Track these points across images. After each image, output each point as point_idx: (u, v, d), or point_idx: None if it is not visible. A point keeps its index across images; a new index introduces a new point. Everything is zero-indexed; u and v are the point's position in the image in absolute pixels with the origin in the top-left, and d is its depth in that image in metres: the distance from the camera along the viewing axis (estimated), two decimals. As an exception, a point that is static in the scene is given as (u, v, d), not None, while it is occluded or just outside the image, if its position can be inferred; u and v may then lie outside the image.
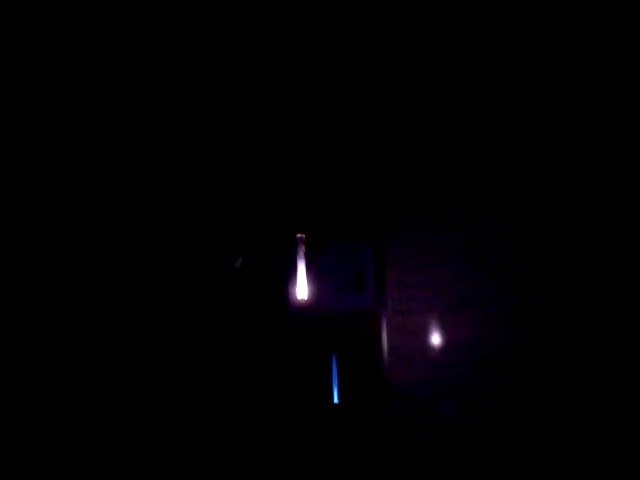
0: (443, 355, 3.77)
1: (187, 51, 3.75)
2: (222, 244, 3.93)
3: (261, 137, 3.89)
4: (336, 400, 3.79)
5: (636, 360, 3.53)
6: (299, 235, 3.92)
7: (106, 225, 3.82)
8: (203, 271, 3.89)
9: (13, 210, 3.75)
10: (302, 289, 3.86)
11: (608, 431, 3.53)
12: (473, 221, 3.83)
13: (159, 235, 3.87)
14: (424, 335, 3.81)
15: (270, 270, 3.90)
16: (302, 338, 3.85)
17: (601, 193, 3.67)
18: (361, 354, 3.86)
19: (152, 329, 3.78)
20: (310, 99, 3.84)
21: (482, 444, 3.69)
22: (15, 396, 3.62)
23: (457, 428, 3.72)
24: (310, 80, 3.79)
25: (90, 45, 3.71)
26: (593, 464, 3.52)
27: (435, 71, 3.77)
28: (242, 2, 3.61)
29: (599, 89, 3.68)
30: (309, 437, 3.74)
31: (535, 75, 3.73)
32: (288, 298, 3.85)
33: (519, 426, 3.67)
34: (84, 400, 3.67)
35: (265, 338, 3.83)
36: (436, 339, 3.78)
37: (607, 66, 3.66)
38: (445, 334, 3.78)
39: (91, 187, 3.83)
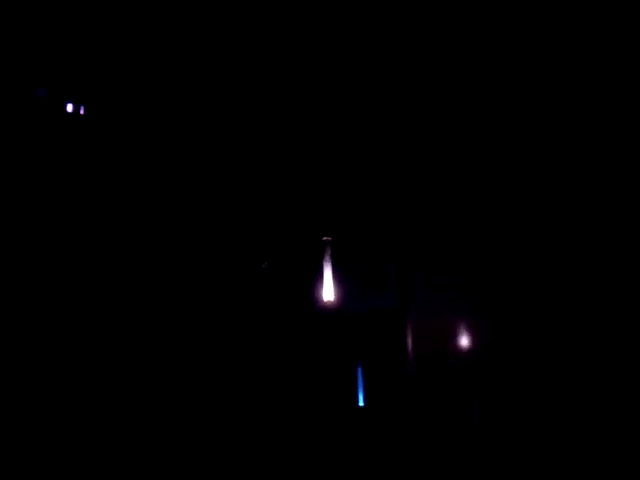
0: (468, 356, 3.77)
1: (223, 62, 3.82)
2: (253, 248, 3.96)
3: (304, 149, 3.97)
4: (361, 403, 3.77)
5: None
6: (325, 238, 3.92)
7: (144, 231, 3.90)
8: (234, 275, 3.92)
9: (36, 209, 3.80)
10: (329, 291, 3.85)
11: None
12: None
13: (197, 241, 3.93)
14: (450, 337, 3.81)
15: (297, 273, 3.91)
16: (328, 340, 3.84)
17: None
18: (387, 356, 3.85)
19: (183, 329, 3.81)
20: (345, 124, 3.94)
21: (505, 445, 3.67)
22: (17, 395, 3.63)
23: (482, 430, 3.70)
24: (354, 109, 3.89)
25: (98, 48, 3.76)
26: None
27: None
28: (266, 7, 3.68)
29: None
30: (335, 439, 3.72)
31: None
32: (315, 301, 3.85)
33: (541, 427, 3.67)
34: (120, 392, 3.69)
35: (292, 340, 3.83)
36: (463, 341, 3.78)
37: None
38: (470, 336, 3.78)
39: (130, 192, 3.90)
